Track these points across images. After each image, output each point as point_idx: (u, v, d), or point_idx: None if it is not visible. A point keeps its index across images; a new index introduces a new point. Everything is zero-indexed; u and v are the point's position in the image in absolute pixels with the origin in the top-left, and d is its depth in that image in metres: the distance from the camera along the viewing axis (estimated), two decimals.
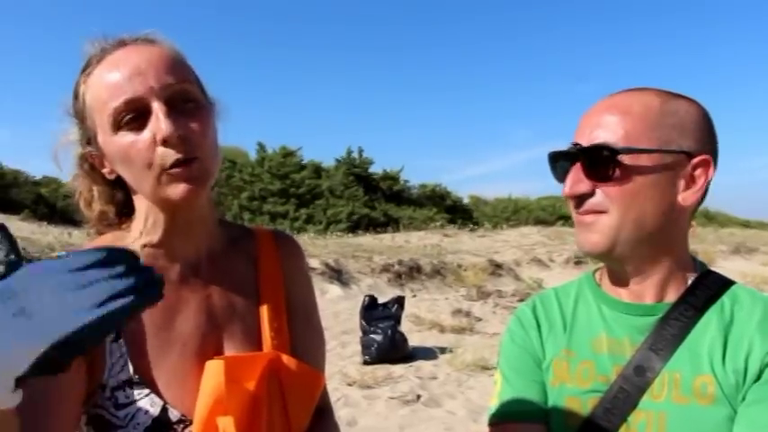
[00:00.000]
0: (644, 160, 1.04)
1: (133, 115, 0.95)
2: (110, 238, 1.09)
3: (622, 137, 1.04)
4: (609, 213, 1.05)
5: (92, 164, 1.06)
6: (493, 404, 1.19)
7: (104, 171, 1.05)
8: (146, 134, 0.95)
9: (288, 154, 29.30)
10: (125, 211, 1.11)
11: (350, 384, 6.12)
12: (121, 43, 1.01)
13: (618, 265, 1.12)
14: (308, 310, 1.21)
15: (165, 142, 0.94)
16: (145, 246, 1.06)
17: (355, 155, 30.71)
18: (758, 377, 0.98)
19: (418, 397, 5.87)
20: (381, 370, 6.62)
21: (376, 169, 31.05)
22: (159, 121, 0.94)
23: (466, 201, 35.44)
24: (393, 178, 31.34)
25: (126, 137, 0.96)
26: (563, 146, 1.12)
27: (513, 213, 32.84)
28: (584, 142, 1.07)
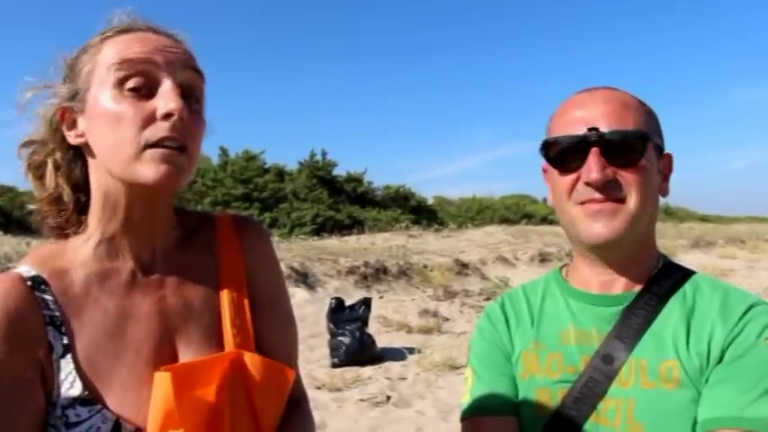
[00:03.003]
0: (650, 150, 1.08)
1: (141, 81, 0.92)
2: (47, 252, 1.01)
3: (636, 126, 1.07)
4: (627, 201, 1.06)
5: (59, 124, 0.99)
6: (464, 400, 1.21)
7: (72, 133, 0.98)
8: (147, 105, 0.91)
9: (250, 158, 29.02)
10: (80, 198, 1.03)
11: (318, 387, 6.08)
12: (154, 29, 0.99)
13: (612, 253, 1.12)
14: (275, 298, 1.15)
15: (167, 116, 0.90)
16: (99, 242, 1.00)
17: (319, 157, 30.59)
18: (720, 359, 1.02)
19: (388, 398, 5.87)
20: (350, 372, 6.60)
21: (340, 171, 30.95)
22: (168, 96, 0.90)
23: (430, 201, 35.55)
24: (357, 180, 31.26)
25: (125, 99, 0.91)
26: (568, 133, 1.10)
27: (478, 213, 33.03)
28: (604, 129, 1.06)
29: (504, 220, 30.10)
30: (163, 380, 0.92)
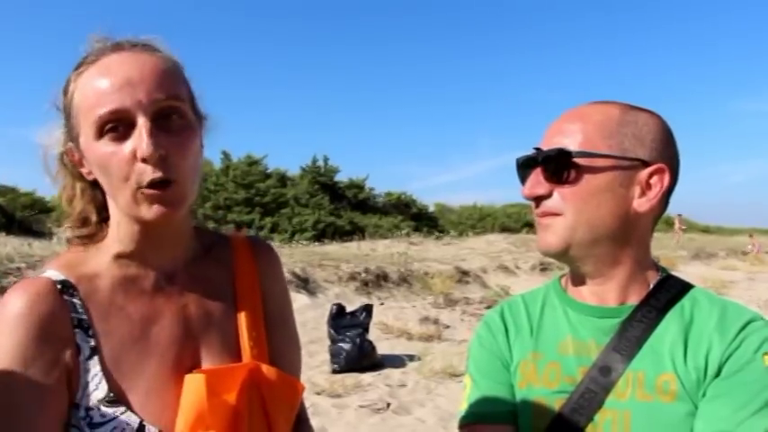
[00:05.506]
0: (599, 165, 1.09)
1: (117, 125, 0.93)
2: (72, 258, 1.04)
3: (580, 142, 1.10)
4: (564, 215, 1.11)
5: (72, 161, 1.04)
6: (462, 407, 1.22)
7: (83, 171, 1.03)
8: (127, 147, 0.93)
9: (253, 162, 29.04)
10: (105, 216, 1.07)
11: (319, 393, 6.09)
12: (118, 47, 0.98)
13: (575, 265, 1.17)
14: (284, 317, 1.21)
15: (145, 161, 0.92)
16: (119, 255, 1.04)
17: (321, 163, 30.62)
18: (717, 373, 1.03)
19: (388, 405, 5.88)
20: (350, 378, 6.61)
21: (342, 177, 31.00)
22: (141, 139, 0.92)
23: (432, 209, 35.55)
24: (359, 186, 31.29)
25: (107, 146, 0.94)
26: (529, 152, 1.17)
27: (479, 221, 33.03)
28: (545, 148, 1.13)
29: (505, 229, 30.09)
30: (196, 381, 0.96)
